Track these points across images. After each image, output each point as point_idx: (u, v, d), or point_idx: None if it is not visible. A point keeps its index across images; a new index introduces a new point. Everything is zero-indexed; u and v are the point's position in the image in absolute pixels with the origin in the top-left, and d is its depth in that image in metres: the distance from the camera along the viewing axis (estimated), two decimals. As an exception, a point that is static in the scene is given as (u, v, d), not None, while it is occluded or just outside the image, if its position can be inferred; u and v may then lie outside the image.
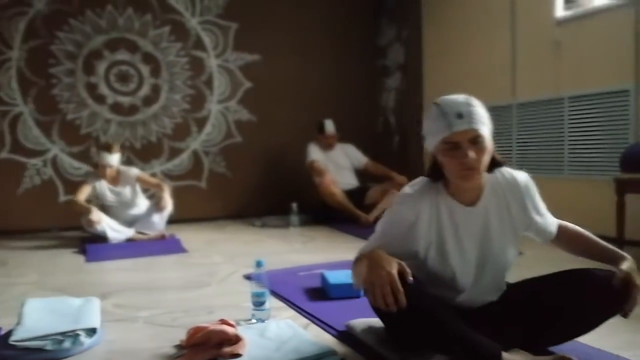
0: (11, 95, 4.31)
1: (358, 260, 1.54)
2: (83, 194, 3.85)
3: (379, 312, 1.48)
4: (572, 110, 3.45)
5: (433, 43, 4.87)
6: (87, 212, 3.71)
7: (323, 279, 2.31)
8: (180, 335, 1.76)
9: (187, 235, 4.01)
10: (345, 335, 1.74)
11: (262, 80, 5.09)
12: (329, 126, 4.63)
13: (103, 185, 3.95)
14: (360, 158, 4.76)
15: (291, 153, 5.12)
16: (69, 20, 4.44)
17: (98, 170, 3.92)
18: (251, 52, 5.06)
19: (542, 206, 1.55)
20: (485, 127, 1.39)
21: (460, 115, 1.36)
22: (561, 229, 1.59)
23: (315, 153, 4.63)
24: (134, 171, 4.05)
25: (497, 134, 3.87)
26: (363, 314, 1.82)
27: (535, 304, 1.48)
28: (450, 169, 1.39)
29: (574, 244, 1.59)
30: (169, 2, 4.76)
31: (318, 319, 1.91)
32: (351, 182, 4.69)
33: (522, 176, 1.52)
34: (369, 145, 4.96)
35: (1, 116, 4.29)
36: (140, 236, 3.87)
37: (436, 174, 1.47)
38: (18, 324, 1.71)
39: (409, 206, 1.46)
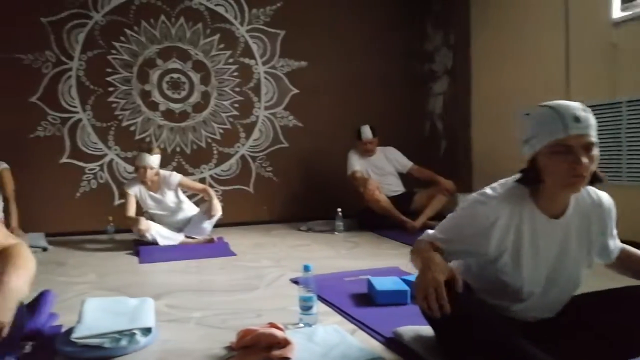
0: (71, 103, 4.54)
1: (414, 250, 1.53)
2: (130, 204, 3.91)
3: (429, 319, 1.47)
4: (631, 115, 3.31)
5: (482, 47, 4.78)
6: (136, 222, 3.77)
7: (369, 285, 2.31)
8: (230, 337, 1.80)
9: (235, 238, 4.09)
10: (393, 343, 1.73)
11: (308, 86, 5.15)
12: (366, 132, 4.56)
13: (143, 192, 3.97)
14: (404, 162, 4.67)
15: (336, 158, 5.12)
16: (125, 31, 4.64)
17: (138, 174, 3.90)
18: (298, 59, 5.13)
19: (615, 229, 1.52)
20: (596, 137, 1.34)
21: (577, 119, 1.31)
22: (622, 252, 1.55)
23: (355, 163, 4.59)
24: (176, 177, 4.01)
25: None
26: (410, 321, 1.81)
27: (593, 320, 1.43)
28: (558, 174, 1.33)
29: (634, 267, 1.55)
30: (219, 12, 4.89)
31: (365, 325, 1.91)
32: (397, 188, 4.64)
33: (607, 198, 1.49)
34: (415, 151, 4.92)
35: (62, 123, 4.52)
36: (189, 240, 3.97)
37: (530, 180, 1.41)
38: (78, 321, 1.79)
39: (490, 208, 1.42)
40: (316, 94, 5.17)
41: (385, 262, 3.10)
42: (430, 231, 1.59)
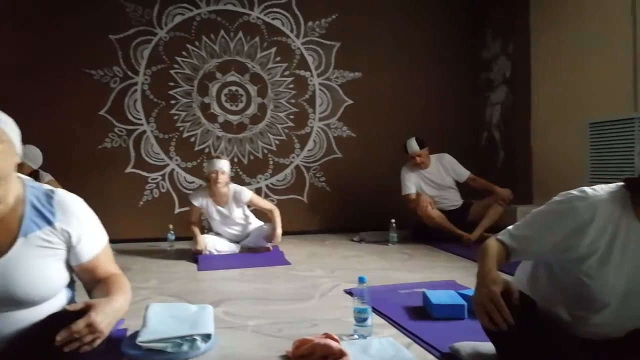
0: (136, 116, 4.77)
1: (480, 250, 1.51)
2: (192, 215, 4.02)
3: (491, 335, 1.44)
4: None
5: (542, 55, 4.64)
6: (194, 240, 3.86)
7: (425, 298, 2.28)
8: (286, 346, 1.84)
9: (290, 247, 4.15)
10: (450, 358, 1.71)
11: (362, 97, 5.17)
12: (412, 145, 4.37)
13: (210, 205, 3.98)
14: (461, 171, 4.49)
15: (390, 169, 5.09)
16: (187, 46, 4.84)
17: (210, 181, 3.88)
18: (352, 70, 5.16)
19: None
20: None
21: None
22: None
23: (409, 183, 4.43)
24: (247, 194, 3.97)
25: (617, 149, 3.58)
26: (467, 337, 1.78)
27: None
28: None
29: None
30: (275, 25, 5.01)
31: (421, 339, 1.89)
32: (455, 202, 4.49)
33: None
34: (472, 161, 4.81)
35: (127, 135, 4.76)
36: (245, 250, 4.05)
37: (638, 188, 1.38)
38: (143, 326, 1.88)
39: (589, 205, 1.38)
40: (370, 104, 5.18)
41: (441, 275, 3.05)
42: (505, 230, 1.54)
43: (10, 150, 1.39)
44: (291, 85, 5.08)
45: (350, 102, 5.18)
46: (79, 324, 1.26)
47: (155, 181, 4.82)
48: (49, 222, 1.40)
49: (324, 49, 5.12)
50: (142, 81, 4.77)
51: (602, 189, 1.42)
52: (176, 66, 4.84)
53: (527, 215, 1.52)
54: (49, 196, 1.44)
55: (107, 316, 1.33)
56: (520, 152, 4.85)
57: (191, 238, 4.02)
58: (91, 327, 1.28)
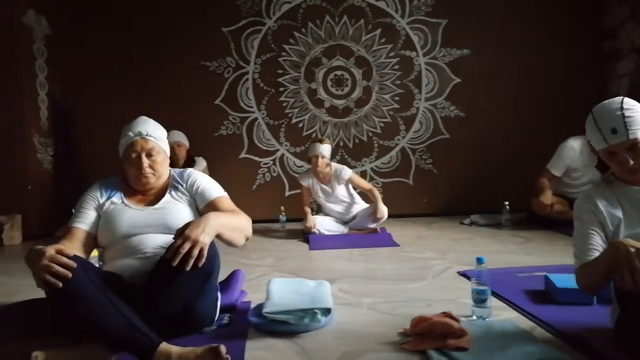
0: (248, 104, 5.01)
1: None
2: (304, 197, 4.25)
3: (622, 299, 1.47)
4: None
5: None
6: (304, 218, 4.09)
7: (547, 282, 2.18)
8: (402, 324, 1.86)
9: (396, 230, 4.14)
10: (579, 343, 1.62)
11: (471, 75, 4.97)
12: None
13: (315, 184, 4.20)
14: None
15: (501, 149, 4.89)
16: (294, 34, 4.97)
17: (311, 164, 4.10)
18: (460, 47, 4.98)
19: None
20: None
21: (614, 131, 1.61)
22: None
23: (562, 162, 3.98)
24: (347, 172, 4.12)
25: None
26: (594, 321, 1.70)
27: None
28: (615, 170, 1.67)
29: None
30: (380, 7, 4.97)
31: (545, 323, 1.82)
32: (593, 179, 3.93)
33: None
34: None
35: (241, 122, 5.02)
36: (354, 230, 4.13)
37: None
38: (267, 298, 2.00)
39: (584, 196, 1.71)
40: (480, 82, 4.97)
41: (562, 259, 2.88)
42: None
43: (164, 157, 2.01)
44: (396, 66, 5.02)
45: (458, 80, 5.01)
46: (177, 241, 1.61)
47: (266, 166, 5.05)
48: (181, 184, 2.02)
49: (430, 28, 4.99)
50: (253, 70, 4.99)
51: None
52: (284, 54, 4.99)
53: (575, 242, 1.69)
54: (182, 172, 2.09)
55: (197, 227, 1.64)
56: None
57: (301, 219, 4.19)
58: (186, 239, 1.60)
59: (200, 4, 4.89)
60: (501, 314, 1.98)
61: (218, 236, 1.74)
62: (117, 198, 1.96)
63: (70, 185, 4.65)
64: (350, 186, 4.23)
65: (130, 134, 1.93)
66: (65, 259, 1.50)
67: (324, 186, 4.21)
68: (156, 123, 2.03)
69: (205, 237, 1.63)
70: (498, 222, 4.22)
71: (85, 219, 1.90)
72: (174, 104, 4.85)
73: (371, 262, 3.10)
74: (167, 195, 1.97)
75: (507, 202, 4.14)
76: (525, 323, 1.86)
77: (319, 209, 4.41)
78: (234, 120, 5.01)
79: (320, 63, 5.01)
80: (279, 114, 5.02)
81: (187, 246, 1.59)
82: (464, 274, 2.61)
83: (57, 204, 4.52)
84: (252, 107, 5.01)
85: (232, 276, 2.35)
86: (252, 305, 2.11)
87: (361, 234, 4.04)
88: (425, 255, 3.20)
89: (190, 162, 4.50)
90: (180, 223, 1.74)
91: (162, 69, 4.86)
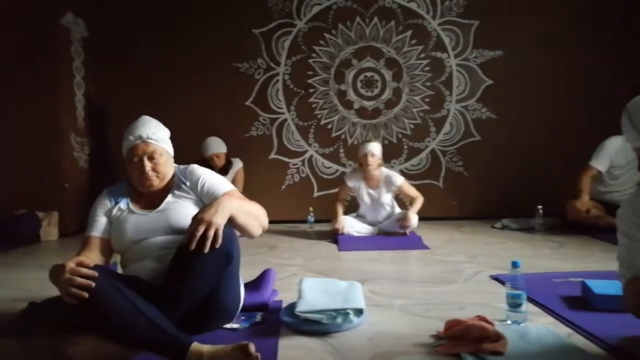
0: (278, 105, 5.05)
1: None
2: (340, 193, 4.23)
3: None
4: None
5: None
6: (334, 218, 4.04)
7: (585, 287, 2.13)
8: (435, 326, 1.84)
9: (426, 233, 4.10)
10: (619, 350, 1.58)
11: (503, 77, 4.90)
12: None
13: (362, 187, 4.10)
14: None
15: (534, 152, 4.80)
16: (324, 35, 4.99)
17: (361, 165, 3.99)
18: (492, 49, 4.91)
19: None
20: None
21: None
22: None
23: (606, 157, 3.88)
24: (399, 179, 4.02)
25: None
26: (633, 328, 1.65)
27: None
28: None
29: None
30: (411, 8, 4.95)
31: (583, 330, 1.78)
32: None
33: None
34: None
35: (271, 123, 5.06)
36: (382, 233, 4.10)
37: None
38: (300, 298, 2.01)
39: (624, 206, 1.63)
40: (512, 83, 4.89)
41: (599, 265, 2.82)
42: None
43: (167, 158, 1.99)
44: (427, 68, 4.98)
45: (490, 82, 4.94)
46: (191, 226, 1.64)
47: (295, 166, 5.08)
48: (184, 183, 1.99)
49: (461, 29, 4.93)
50: (283, 71, 5.03)
51: None
52: (314, 55, 5.01)
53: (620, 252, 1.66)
54: (185, 169, 2.04)
55: (209, 209, 1.68)
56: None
57: (329, 221, 4.18)
58: (200, 222, 1.63)
59: (232, 6, 4.95)
60: (536, 319, 1.94)
61: (232, 220, 1.74)
62: (123, 204, 1.99)
63: (104, 183, 4.65)
64: (394, 194, 4.13)
65: (131, 137, 1.92)
66: (85, 270, 1.54)
67: (371, 191, 4.11)
68: (157, 123, 2.01)
69: (218, 218, 1.65)
70: (530, 227, 4.15)
71: (99, 227, 1.96)
72: (206, 105, 4.92)
73: (401, 264, 3.09)
74: (169, 196, 1.96)
75: (540, 206, 4.07)
76: (561, 329, 1.82)
77: (349, 207, 4.38)
78: (264, 122, 5.05)
79: (351, 64, 5.01)
80: (309, 115, 5.04)
81: (201, 228, 1.62)
82: (496, 278, 2.58)
83: (92, 202, 4.61)
84: (282, 108, 5.05)
85: (264, 275, 2.37)
86: (284, 304, 2.13)
87: (390, 236, 4.00)
88: (456, 259, 3.17)
89: (228, 165, 4.56)
90: (184, 222, 1.76)
91: (195, 71, 4.94)
